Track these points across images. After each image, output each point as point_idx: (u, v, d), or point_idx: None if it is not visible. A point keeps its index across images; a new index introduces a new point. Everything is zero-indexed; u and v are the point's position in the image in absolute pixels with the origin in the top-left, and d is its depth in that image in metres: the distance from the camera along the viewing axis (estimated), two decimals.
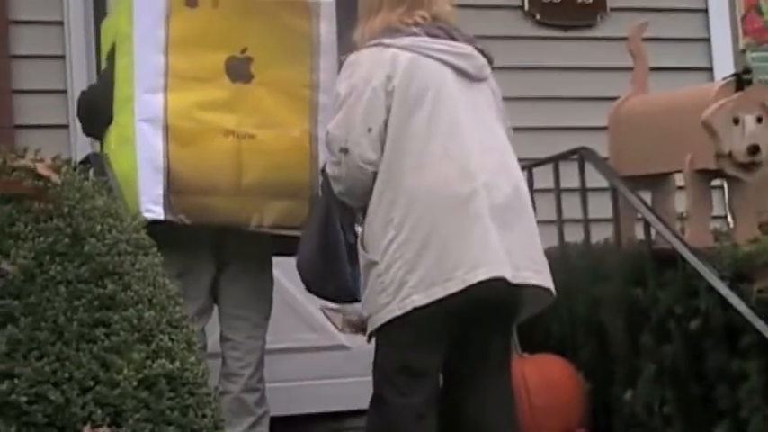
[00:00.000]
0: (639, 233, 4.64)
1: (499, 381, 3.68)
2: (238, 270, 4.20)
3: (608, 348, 4.65)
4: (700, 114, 4.33)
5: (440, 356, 3.59)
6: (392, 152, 3.57)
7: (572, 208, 4.96)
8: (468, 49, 3.70)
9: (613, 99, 5.01)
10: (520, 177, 3.71)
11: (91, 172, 3.52)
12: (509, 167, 3.66)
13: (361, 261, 3.64)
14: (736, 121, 4.31)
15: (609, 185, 4.72)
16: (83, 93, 4.49)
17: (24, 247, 2.61)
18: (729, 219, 4.83)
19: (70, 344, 2.52)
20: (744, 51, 6.54)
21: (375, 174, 3.58)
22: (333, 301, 3.96)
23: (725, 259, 4.12)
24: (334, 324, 4.19)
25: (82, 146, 5.09)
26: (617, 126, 4.90)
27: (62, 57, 5.49)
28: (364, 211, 3.64)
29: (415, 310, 3.46)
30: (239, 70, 4.06)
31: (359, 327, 3.86)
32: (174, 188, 3.92)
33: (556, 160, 5.02)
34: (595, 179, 4.81)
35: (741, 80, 4.43)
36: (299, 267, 3.86)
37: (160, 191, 3.91)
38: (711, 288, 4.03)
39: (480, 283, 3.45)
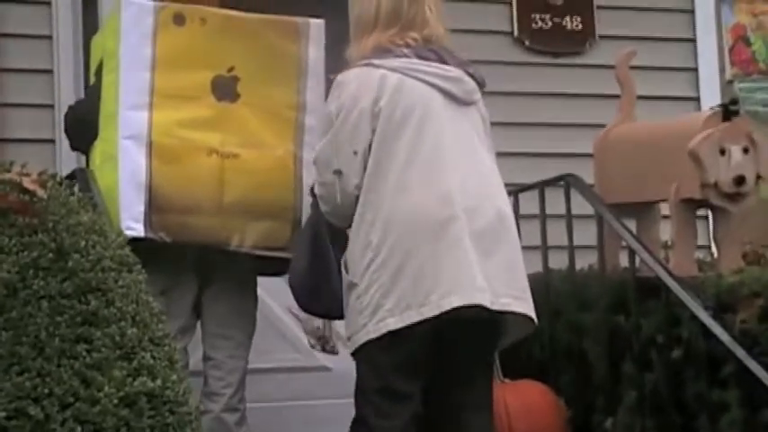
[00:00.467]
0: (624, 260, 4.64)
1: (481, 411, 3.67)
2: (221, 289, 4.18)
3: (589, 375, 4.64)
4: (686, 144, 4.34)
5: (420, 381, 3.57)
6: (374, 174, 3.57)
7: (557, 234, 4.96)
8: (457, 72, 3.69)
9: (600, 126, 5.03)
10: (505, 202, 3.69)
11: (76, 187, 3.51)
12: (493, 192, 3.65)
13: (344, 281, 3.64)
14: (722, 152, 4.33)
15: (594, 212, 4.72)
16: (70, 108, 4.49)
17: (8, 261, 2.60)
18: (714, 248, 4.83)
19: (51, 360, 2.51)
20: (731, 82, 6.58)
21: (358, 196, 3.59)
22: (324, 317, 3.96)
23: (709, 289, 4.13)
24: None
25: (67, 161, 5.09)
26: (603, 153, 4.91)
27: (50, 71, 5.48)
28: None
29: (392, 333, 3.46)
30: (226, 89, 4.05)
31: (316, 335, 3.87)
32: (155, 205, 3.90)
33: (542, 186, 5.02)
34: (581, 205, 4.82)
35: (728, 110, 4.45)
36: (291, 284, 3.85)
37: (141, 208, 3.89)
38: (694, 317, 4.04)
39: (456, 308, 3.44)
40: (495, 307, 3.50)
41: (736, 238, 4.51)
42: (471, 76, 3.73)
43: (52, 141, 5.34)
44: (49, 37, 5.51)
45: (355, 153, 3.58)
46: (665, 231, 4.72)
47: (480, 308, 3.47)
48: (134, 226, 3.86)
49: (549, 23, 6.27)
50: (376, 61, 3.65)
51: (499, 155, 3.80)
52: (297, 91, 4.15)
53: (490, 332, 3.63)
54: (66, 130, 4.45)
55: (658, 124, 4.79)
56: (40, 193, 2.79)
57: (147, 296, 2.87)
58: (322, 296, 3.77)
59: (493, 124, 3.83)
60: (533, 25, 6.25)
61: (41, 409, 2.43)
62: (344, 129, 3.61)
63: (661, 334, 4.24)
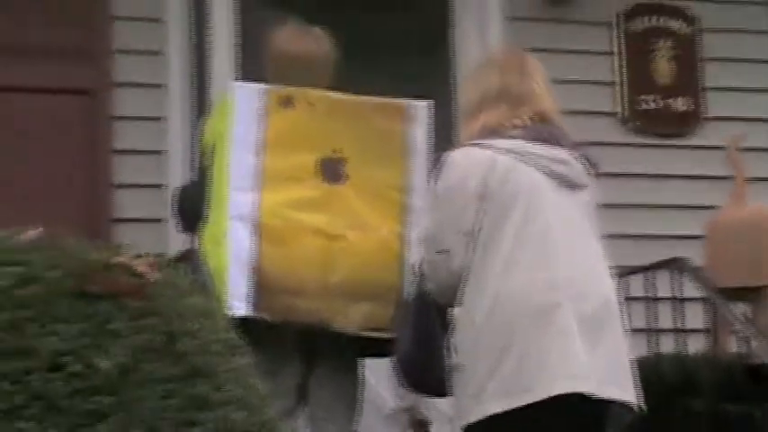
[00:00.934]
0: (734, 346, 4.56)
1: None
2: (326, 374, 4.17)
3: None
4: None
5: None
6: (480, 254, 3.55)
7: (662, 316, 4.89)
8: (566, 155, 3.67)
9: (704, 208, 4.97)
10: (611, 288, 3.64)
11: (187, 269, 3.55)
12: (599, 278, 3.61)
13: (449, 361, 3.62)
14: None
15: (706, 296, 4.65)
16: (179, 189, 4.55)
17: (122, 345, 2.62)
18: None
19: None
20: None
21: (463, 275, 3.57)
22: (433, 395, 3.94)
23: None
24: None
25: (176, 241, 5.15)
26: (714, 236, 4.84)
27: (161, 152, 5.58)
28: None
29: (494, 417, 3.42)
30: (333, 170, 4.08)
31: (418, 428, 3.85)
32: (261, 286, 3.93)
33: (653, 269, 4.95)
34: (686, 288, 4.75)
35: None
36: (398, 363, 3.84)
37: (246, 289, 3.93)
38: None
39: (560, 396, 3.39)
40: (598, 395, 3.44)
41: None
42: (583, 158, 3.70)
43: (162, 221, 5.42)
44: (161, 118, 5.62)
45: (462, 233, 3.57)
46: None
47: (583, 396, 3.42)
48: (239, 305, 3.89)
49: (658, 104, 6.23)
50: (484, 142, 3.66)
51: (604, 236, 3.77)
52: (403, 172, 4.17)
53: (592, 420, 3.56)
54: (175, 212, 4.52)
55: None
56: (152, 276, 2.82)
57: (255, 380, 2.87)
58: (430, 373, 3.75)
59: (598, 205, 3.80)
60: (641, 106, 6.22)
61: None
62: (452, 209, 3.61)
63: None
